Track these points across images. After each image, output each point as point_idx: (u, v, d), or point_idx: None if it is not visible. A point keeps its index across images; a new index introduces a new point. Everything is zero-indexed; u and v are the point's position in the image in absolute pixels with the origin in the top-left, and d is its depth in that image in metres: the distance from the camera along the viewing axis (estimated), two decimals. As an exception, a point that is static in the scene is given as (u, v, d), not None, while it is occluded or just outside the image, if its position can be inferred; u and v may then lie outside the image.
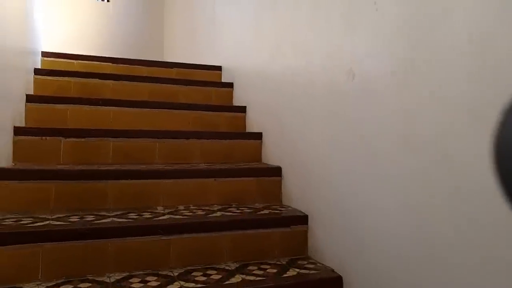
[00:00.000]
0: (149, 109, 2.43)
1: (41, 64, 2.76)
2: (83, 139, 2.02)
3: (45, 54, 2.80)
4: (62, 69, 2.58)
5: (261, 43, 2.44)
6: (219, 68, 3.23)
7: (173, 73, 3.09)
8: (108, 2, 5.12)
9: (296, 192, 1.93)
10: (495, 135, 0.35)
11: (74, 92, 2.53)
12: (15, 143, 1.91)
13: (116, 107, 2.36)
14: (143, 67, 3.02)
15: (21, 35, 2.18)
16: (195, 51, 3.97)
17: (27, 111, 2.19)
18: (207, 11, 3.61)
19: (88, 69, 2.84)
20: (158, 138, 2.17)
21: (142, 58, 5.28)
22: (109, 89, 2.62)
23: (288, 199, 2.00)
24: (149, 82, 2.74)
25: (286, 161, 2.06)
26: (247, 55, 2.72)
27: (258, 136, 2.38)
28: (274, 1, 2.28)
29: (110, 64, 2.93)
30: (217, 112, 2.60)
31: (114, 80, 2.64)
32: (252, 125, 2.55)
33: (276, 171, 2.08)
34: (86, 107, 2.30)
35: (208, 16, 3.55)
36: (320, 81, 1.75)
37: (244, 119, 2.65)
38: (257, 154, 2.36)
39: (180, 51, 4.69)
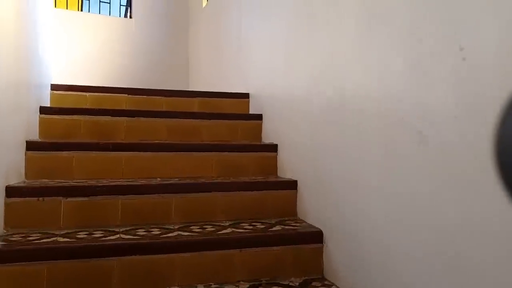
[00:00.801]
0: (166, 153, 2.11)
1: (50, 98, 2.50)
2: (86, 198, 1.72)
3: (54, 87, 2.54)
4: (71, 107, 2.31)
5: (295, 69, 2.08)
6: (246, 95, 2.89)
7: (195, 103, 2.77)
8: (130, 19, 4.89)
9: (342, 269, 1.56)
10: (496, 132, 0.37)
11: (84, 132, 2.24)
12: (7, 205, 1.62)
13: (129, 152, 2.05)
14: (162, 97, 2.71)
15: (22, 71, 1.91)
16: (221, 76, 3.66)
17: (27, 160, 1.91)
18: (233, 34, 3.29)
19: (101, 102, 2.57)
20: (174, 193, 1.84)
21: (167, 77, 5.10)
22: (123, 127, 2.32)
23: (333, 273, 1.62)
24: (167, 118, 2.43)
25: (328, 221, 1.68)
26: (278, 83, 2.36)
27: (292, 185, 2.02)
28: (311, 21, 1.92)
29: (126, 95, 2.64)
30: (243, 153, 2.26)
31: (128, 116, 2.34)
32: (285, 169, 2.19)
33: (317, 236, 1.70)
34: (94, 154, 2.00)
35: (235, 40, 3.23)
36: (374, 127, 1.37)
37: (275, 160, 2.29)
38: (291, 207, 1.99)
39: (205, 73, 4.39)
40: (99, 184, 1.78)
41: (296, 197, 2.01)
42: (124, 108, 2.60)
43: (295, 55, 2.10)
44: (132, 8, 4.90)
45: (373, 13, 1.41)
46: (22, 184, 1.75)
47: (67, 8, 4.65)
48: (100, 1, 4.74)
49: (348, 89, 1.56)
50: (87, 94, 2.57)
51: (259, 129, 2.59)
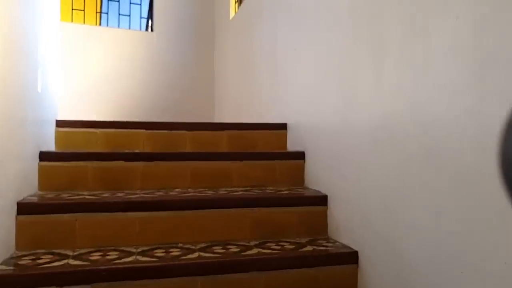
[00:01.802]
0: (190, 211, 1.70)
1: (55, 136, 2.13)
2: (88, 287, 1.32)
3: (60, 123, 2.17)
4: (77, 151, 1.93)
5: (355, 99, 1.63)
6: (283, 126, 2.45)
7: (224, 138, 2.35)
8: (151, 32, 4.53)
9: None
10: (501, 144, 0.40)
11: (92, 181, 1.86)
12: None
13: (144, 212, 1.65)
14: (185, 131, 2.30)
15: (15, 110, 1.54)
16: (252, 100, 3.23)
17: (18, 227, 1.53)
18: (267, 52, 2.85)
19: (115, 140, 2.18)
20: (200, 275, 1.42)
21: (191, 94, 4.70)
22: (139, 173, 1.93)
23: None
24: (192, 160, 2.02)
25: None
26: (327, 113, 1.92)
27: (352, 257, 1.56)
28: (377, 44, 1.47)
29: (144, 131, 2.24)
30: (285, 208, 1.82)
31: (145, 160, 1.95)
32: (339, 230, 1.74)
33: None
34: (101, 216, 1.61)
35: (269, 59, 2.79)
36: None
37: (324, 215, 1.84)
38: (352, 288, 1.54)
39: (233, 94, 3.96)
40: (103, 268, 1.37)
41: (356, 276, 1.55)
42: (141, 146, 2.22)
43: (353, 82, 1.65)
44: (153, 21, 4.54)
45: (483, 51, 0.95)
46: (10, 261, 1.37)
47: (84, 23, 4.34)
48: (119, 14, 4.41)
49: (435, 126, 1.10)
50: (98, 130, 2.19)
51: (301, 170, 2.15)
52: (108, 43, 4.34)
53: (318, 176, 2.01)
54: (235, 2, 4.14)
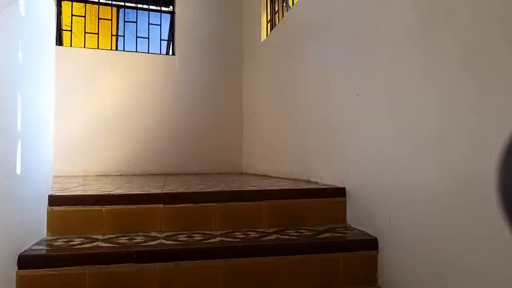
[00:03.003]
0: None
1: (47, 218, 1.62)
2: None
3: (54, 200, 1.66)
4: (69, 253, 1.40)
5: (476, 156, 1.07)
6: (340, 192, 1.90)
7: (264, 210, 1.81)
8: (173, 56, 4.04)
9: None
10: (499, 172, 0.40)
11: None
12: None
13: None
14: (214, 204, 1.77)
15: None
16: (293, 149, 2.67)
17: None
18: (313, 87, 2.30)
19: (125, 219, 1.67)
20: None
21: (214, 135, 4.14)
22: (156, 281, 1.40)
23: None
24: (225, 258, 1.48)
25: None
26: (411, 184, 1.36)
27: None
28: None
29: (162, 206, 1.72)
30: None
31: (163, 261, 1.42)
32: None
33: None
34: None
35: (318, 99, 2.24)
36: None
37: None
38: None
39: (267, 136, 3.41)
40: None
41: None
42: (159, 226, 1.70)
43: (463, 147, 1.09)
44: (174, 43, 4.06)
45: None
46: None
47: (98, 47, 3.88)
48: (136, 37, 3.94)
49: None
50: (103, 208, 1.67)
51: (373, 265, 1.58)
52: (124, 69, 3.88)
53: (399, 274, 1.44)
54: (267, 22, 3.61)
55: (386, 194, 1.55)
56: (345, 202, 1.88)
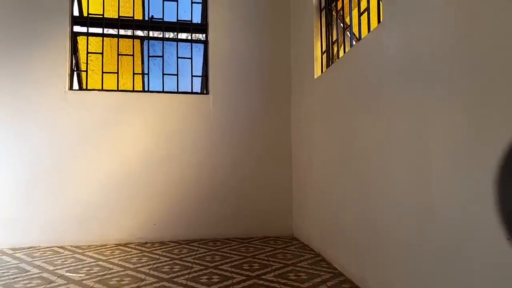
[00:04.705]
0: None
1: None
2: None
3: None
4: None
5: None
6: None
7: None
8: (207, 95, 3.35)
9: None
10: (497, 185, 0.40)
11: None
12: None
13: None
14: None
15: None
16: (370, 223, 1.85)
17: None
18: (400, 150, 1.50)
19: None
20: None
21: (258, 194, 3.19)
22: None
23: None
24: None
25: None
26: None
27: None
28: None
29: None
30: None
31: None
32: None
33: None
34: None
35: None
36: None
37: None
38: None
39: (328, 202, 2.58)
40: None
41: None
42: None
43: None
44: (209, 80, 3.37)
45: None
46: None
47: (117, 89, 3.26)
48: (163, 74, 3.29)
49: None
50: None
51: None
52: (149, 114, 3.22)
53: None
54: (321, 53, 2.86)
55: None
56: None
